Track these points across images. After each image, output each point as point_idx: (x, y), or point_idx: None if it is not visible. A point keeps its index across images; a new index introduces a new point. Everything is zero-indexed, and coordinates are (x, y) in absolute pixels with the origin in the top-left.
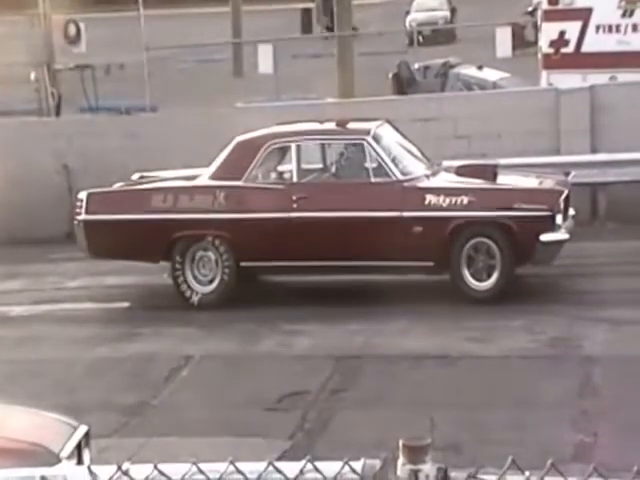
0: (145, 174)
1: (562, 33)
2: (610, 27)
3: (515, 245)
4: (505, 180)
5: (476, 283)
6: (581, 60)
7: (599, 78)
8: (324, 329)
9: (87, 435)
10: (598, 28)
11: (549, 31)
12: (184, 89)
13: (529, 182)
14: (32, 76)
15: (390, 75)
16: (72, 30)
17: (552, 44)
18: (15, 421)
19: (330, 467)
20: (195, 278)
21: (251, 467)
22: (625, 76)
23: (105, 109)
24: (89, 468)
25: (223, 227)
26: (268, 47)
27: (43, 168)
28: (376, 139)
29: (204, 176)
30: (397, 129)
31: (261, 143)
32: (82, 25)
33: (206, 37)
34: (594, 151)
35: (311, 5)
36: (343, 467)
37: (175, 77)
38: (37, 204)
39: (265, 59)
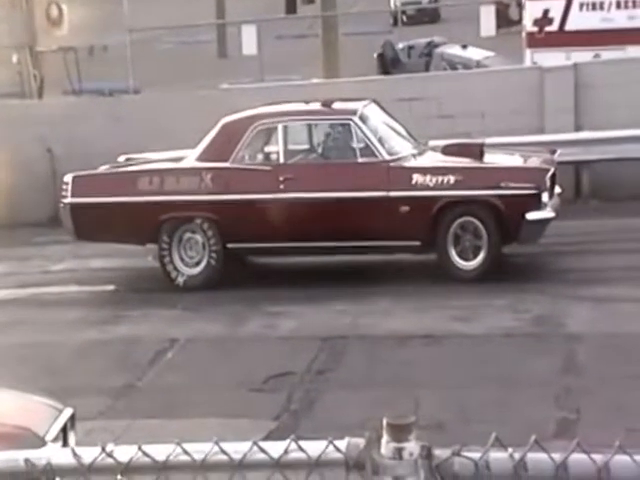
0: (131, 156)
1: (546, 11)
2: (594, 4)
3: (501, 224)
4: (491, 159)
5: (462, 262)
6: (565, 38)
7: (583, 56)
8: (310, 310)
9: (72, 418)
10: (582, 6)
11: (533, 9)
12: (168, 71)
13: (515, 161)
14: (14, 58)
15: (375, 55)
16: (54, 12)
17: (536, 22)
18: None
19: (314, 446)
20: (182, 260)
21: (235, 447)
22: (609, 53)
23: (88, 91)
24: (73, 450)
25: (210, 209)
26: (252, 28)
27: (26, 151)
28: (363, 119)
29: (190, 158)
30: (383, 109)
31: (247, 124)
32: (64, 7)
33: (190, 18)
34: (578, 129)
35: None
36: (327, 446)
37: (159, 59)
38: (21, 188)
39: (249, 40)
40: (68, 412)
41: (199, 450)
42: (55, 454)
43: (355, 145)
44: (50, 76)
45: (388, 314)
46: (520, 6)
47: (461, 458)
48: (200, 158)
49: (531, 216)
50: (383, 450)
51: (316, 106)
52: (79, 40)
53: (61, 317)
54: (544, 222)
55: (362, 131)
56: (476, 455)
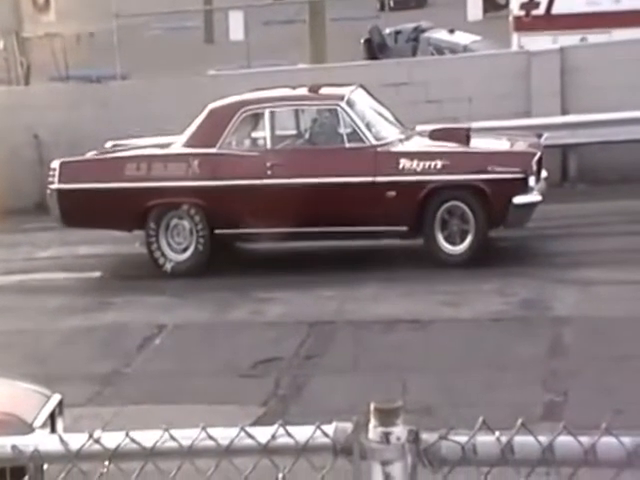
0: (118, 142)
1: None
2: None
3: (488, 208)
4: (478, 143)
5: (450, 247)
6: (552, 22)
7: (569, 40)
8: (297, 295)
9: (60, 404)
10: None
11: None
12: (155, 57)
13: (502, 145)
14: (0, 45)
15: (362, 40)
16: None
17: (523, 6)
18: None
19: (302, 431)
20: (169, 246)
21: (223, 433)
22: (595, 37)
23: (75, 78)
24: (60, 437)
25: (197, 195)
26: (239, 14)
27: (13, 138)
28: (350, 104)
29: (177, 144)
30: (370, 94)
31: (234, 110)
32: None
33: (177, 4)
34: (565, 113)
35: None
36: (315, 431)
37: (146, 45)
38: (8, 174)
39: (236, 26)
40: (56, 399)
41: (186, 436)
42: (42, 441)
43: (342, 130)
44: (37, 63)
45: (376, 299)
46: None
47: (448, 442)
48: (187, 144)
49: (518, 200)
50: (371, 435)
51: (303, 91)
52: (66, 26)
53: (48, 304)
54: (531, 206)
55: (349, 116)
56: (463, 439)
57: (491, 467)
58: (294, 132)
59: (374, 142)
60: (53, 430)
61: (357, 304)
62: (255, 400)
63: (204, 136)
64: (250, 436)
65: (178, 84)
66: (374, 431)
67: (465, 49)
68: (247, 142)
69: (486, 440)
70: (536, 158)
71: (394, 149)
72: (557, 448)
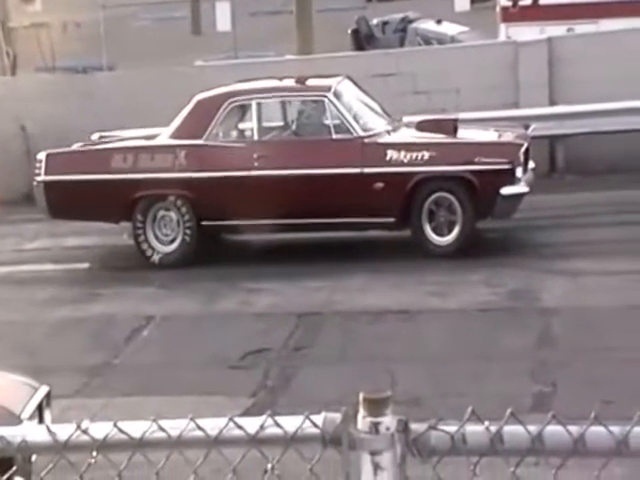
0: (105, 134)
1: None
2: None
3: (476, 199)
4: (465, 134)
5: (437, 238)
6: (539, 12)
7: (557, 30)
8: (285, 287)
9: (48, 396)
10: None
11: None
12: (142, 48)
13: (489, 136)
14: None
15: (349, 31)
16: None
17: None
18: None
19: (291, 422)
20: (156, 238)
21: (211, 424)
22: (582, 27)
23: (62, 69)
24: (48, 427)
25: (184, 186)
26: (226, 4)
27: (0, 129)
28: (337, 95)
29: (164, 135)
30: (357, 85)
31: (221, 101)
32: None
33: None
34: (552, 103)
35: None
36: (304, 422)
37: (133, 36)
38: None
39: (223, 17)
40: (44, 390)
41: (175, 427)
42: (30, 431)
43: (329, 122)
44: (23, 53)
45: (364, 290)
46: None
47: (437, 432)
48: (174, 135)
49: (505, 191)
50: (360, 425)
51: (290, 83)
52: (52, 16)
53: (36, 295)
54: (518, 197)
55: (336, 108)
56: (452, 429)
57: (480, 457)
58: (281, 123)
59: (361, 133)
60: (41, 422)
61: (346, 295)
62: (244, 391)
63: (191, 127)
64: (239, 427)
65: (165, 75)
66: (363, 421)
67: (452, 40)
68: (234, 133)
69: (475, 430)
70: (523, 149)
71: (381, 140)
72: (546, 438)
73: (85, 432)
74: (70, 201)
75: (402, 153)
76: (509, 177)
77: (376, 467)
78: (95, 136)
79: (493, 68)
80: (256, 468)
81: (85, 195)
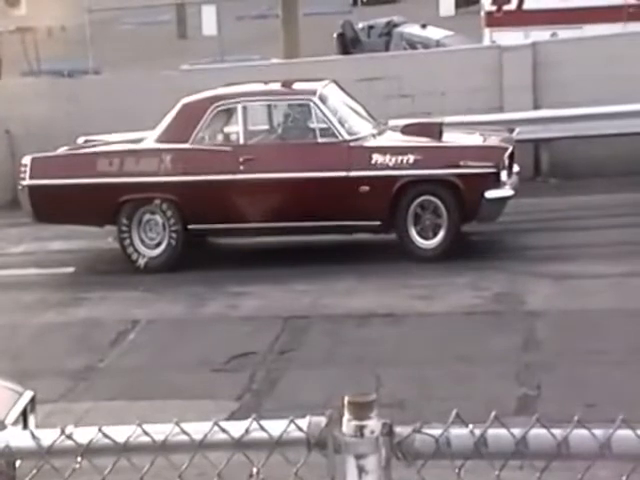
0: (90, 138)
1: None
2: None
3: (461, 202)
4: (450, 138)
5: (422, 241)
6: (523, 17)
7: (541, 35)
8: (271, 290)
9: (33, 401)
10: None
11: None
12: (128, 51)
13: (474, 139)
14: None
15: (335, 35)
16: None
17: (494, 2)
18: None
19: (276, 426)
20: (142, 242)
21: (196, 428)
22: (566, 32)
23: (47, 72)
24: (32, 433)
25: (170, 190)
26: (212, 8)
27: None
28: (322, 99)
29: (150, 139)
30: (343, 89)
31: (207, 105)
32: None
33: None
34: (537, 107)
35: None
36: (289, 425)
37: (118, 39)
38: None
39: (209, 20)
40: (28, 395)
41: (160, 431)
42: (14, 437)
43: (315, 125)
44: (8, 57)
45: (349, 293)
46: None
47: (422, 435)
48: (159, 139)
49: (490, 194)
50: (344, 428)
51: (276, 86)
52: (37, 20)
53: (20, 300)
54: (503, 200)
55: (322, 111)
56: (437, 432)
57: (465, 460)
58: (267, 127)
59: (347, 137)
60: (25, 427)
61: (331, 298)
62: (229, 395)
63: (176, 131)
64: (224, 431)
65: (151, 79)
66: (348, 425)
67: (437, 44)
68: (220, 137)
69: (460, 433)
70: (508, 153)
71: (367, 144)
72: (530, 441)
73: (69, 437)
74: (55, 205)
75: (387, 156)
76: (494, 180)
77: (361, 470)
78: (80, 140)
79: (478, 72)
80: (241, 472)
81: (70, 199)
